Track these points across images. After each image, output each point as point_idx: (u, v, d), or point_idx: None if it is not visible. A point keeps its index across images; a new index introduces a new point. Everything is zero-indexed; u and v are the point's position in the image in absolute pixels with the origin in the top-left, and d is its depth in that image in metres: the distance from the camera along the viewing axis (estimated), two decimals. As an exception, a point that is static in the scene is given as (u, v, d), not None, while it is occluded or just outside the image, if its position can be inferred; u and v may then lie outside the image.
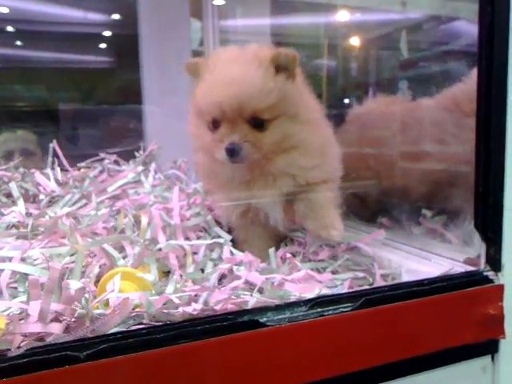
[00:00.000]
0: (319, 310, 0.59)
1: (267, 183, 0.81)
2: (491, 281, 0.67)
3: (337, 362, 0.58)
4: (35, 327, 0.52)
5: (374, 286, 0.70)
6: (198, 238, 0.87)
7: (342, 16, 1.94)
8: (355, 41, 2.04)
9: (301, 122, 0.80)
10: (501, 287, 0.67)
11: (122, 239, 0.78)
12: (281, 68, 0.78)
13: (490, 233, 0.67)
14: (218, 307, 0.59)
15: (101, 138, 1.68)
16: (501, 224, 0.66)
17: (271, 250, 0.77)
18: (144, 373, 0.50)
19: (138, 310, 0.58)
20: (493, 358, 0.68)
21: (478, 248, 0.71)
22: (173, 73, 1.59)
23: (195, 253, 0.82)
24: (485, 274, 0.67)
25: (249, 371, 0.54)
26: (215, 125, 0.78)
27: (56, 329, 0.53)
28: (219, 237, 0.84)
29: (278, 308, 0.58)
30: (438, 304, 0.64)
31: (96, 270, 0.73)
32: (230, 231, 0.87)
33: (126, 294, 0.60)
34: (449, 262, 0.78)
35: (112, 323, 0.53)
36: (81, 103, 1.79)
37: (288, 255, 0.76)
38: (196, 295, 0.63)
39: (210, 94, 0.78)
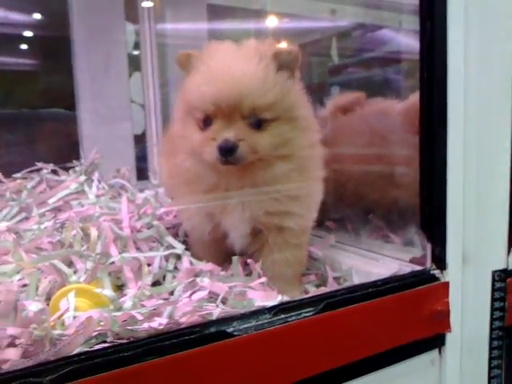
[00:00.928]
0: (283, 316, 0.60)
1: (246, 204, 0.74)
2: (437, 279, 0.71)
3: (303, 366, 0.59)
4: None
5: (331, 289, 0.72)
6: (151, 249, 0.85)
7: (275, 22, 2.00)
8: (287, 46, 2.10)
9: (299, 129, 0.74)
10: (446, 284, 0.71)
11: (72, 254, 0.75)
12: (282, 66, 0.72)
13: (435, 234, 0.72)
14: (183, 320, 0.58)
15: (33, 146, 1.59)
16: (444, 225, 0.71)
17: (235, 258, 0.75)
18: (114, 394, 0.48)
19: (99, 328, 0.55)
20: (440, 351, 0.73)
21: (422, 248, 0.76)
22: (109, 77, 1.54)
23: (149, 264, 0.80)
24: (431, 272, 0.72)
25: (220, 382, 0.54)
26: (207, 122, 0.71)
27: (13, 354, 0.50)
28: (172, 247, 0.83)
29: (243, 317, 0.58)
30: (391, 303, 0.67)
31: (47, 287, 0.69)
32: (185, 239, 0.85)
33: (86, 312, 0.57)
34: (395, 261, 0.83)
35: (75, 344, 0.51)
36: (5, 107, 1.68)
37: (249, 260, 0.76)
38: (155, 309, 0.62)
39: (204, 87, 0.70)
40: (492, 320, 0.75)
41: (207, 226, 0.79)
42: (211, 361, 0.54)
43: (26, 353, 0.51)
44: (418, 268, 0.75)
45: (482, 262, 0.74)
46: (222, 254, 0.82)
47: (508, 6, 0.72)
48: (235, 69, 0.70)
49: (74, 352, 0.51)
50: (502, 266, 0.75)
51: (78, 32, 1.50)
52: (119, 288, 0.77)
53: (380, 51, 1.88)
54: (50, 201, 0.98)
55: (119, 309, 0.65)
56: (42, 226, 0.86)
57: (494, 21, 0.72)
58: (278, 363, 0.58)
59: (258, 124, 0.70)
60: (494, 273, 0.74)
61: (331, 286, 0.81)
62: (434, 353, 0.73)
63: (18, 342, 0.52)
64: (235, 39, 0.76)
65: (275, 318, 0.59)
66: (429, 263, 0.73)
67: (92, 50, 1.51)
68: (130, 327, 0.55)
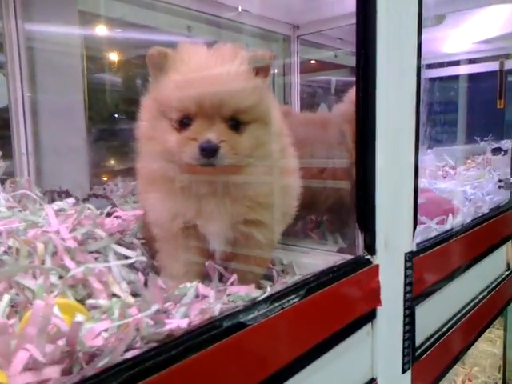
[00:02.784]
0: (277, 304, 0.66)
1: (223, 205, 0.76)
2: (371, 262, 0.86)
3: (303, 342, 0.68)
4: (32, 376, 0.45)
5: (301, 278, 0.80)
6: (96, 259, 0.81)
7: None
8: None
9: (273, 131, 0.77)
10: (377, 266, 0.86)
11: (33, 268, 0.68)
12: (258, 70, 0.75)
13: (367, 226, 0.87)
14: (198, 318, 0.60)
15: None
16: (374, 220, 0.86)
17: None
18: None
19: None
20: (372, 323, 0.88)
21: (334, 242, 0.89)
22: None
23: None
24: (366, 257, 0.86)
25: (248, 366, 0.59)
26: (184, 123, 0.71)
27: (53, 372, 0.47)
28: (126, 257, 0.81)
29: (246, 309, 0.63)
30: (344, 286, 0.80)
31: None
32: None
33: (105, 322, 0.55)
34: (324, 253, 0.96)
35: (118, 352, 0.50)
36: None
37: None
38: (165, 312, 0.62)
39: (185, 88, 0.70)
40: (405, 293, 0.93)
41: (176, 224, 0.77)
42: (235, 349, 0.58)
43: (63, 369, 0.48)
44: (349, 257, 0.89)
45: (397, 246, 0.91)
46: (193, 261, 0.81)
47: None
48: (217, 71, 0.71)
49: (118, 360, 0.49)
50: (409, 249, 0.94)
51: None
52: (78, 301, 0.73)
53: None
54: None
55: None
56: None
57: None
58: (282, 343, 0.65)
59: (237, 127, 0.72)
60: (405, 254, 0.93)
61: (276, 279, 0.90)
62: (369, 325, 0.88)
63: (52, 358, 0.48)
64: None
65: (272, 307, 0.65)
66: (361, 250, 0.88)
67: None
68: (155, 330, 0.56)
